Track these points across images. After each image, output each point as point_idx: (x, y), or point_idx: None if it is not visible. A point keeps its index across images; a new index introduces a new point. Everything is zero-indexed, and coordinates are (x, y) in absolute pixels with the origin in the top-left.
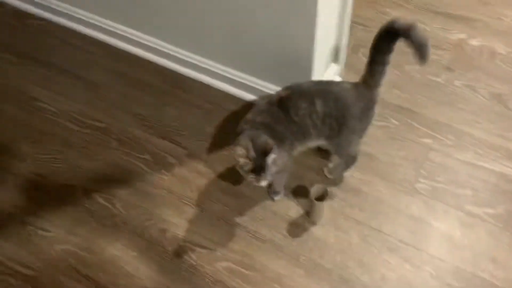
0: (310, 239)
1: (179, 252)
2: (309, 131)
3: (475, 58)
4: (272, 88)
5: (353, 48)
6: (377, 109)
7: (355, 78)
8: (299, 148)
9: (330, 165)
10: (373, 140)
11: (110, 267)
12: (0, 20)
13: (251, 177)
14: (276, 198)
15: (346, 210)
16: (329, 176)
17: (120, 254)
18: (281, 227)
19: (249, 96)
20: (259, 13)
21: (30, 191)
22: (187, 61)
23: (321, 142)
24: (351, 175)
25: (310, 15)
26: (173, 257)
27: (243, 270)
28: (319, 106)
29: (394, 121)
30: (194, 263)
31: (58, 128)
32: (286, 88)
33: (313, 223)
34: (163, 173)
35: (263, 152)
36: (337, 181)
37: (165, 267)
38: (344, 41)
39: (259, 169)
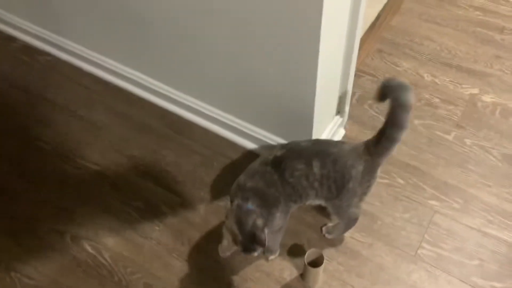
0: None
1: None
2: (306, 192)
3: (487, 115)
4: (273, 139)
5: (359, 99)
6: (380, 170)
7: (360, 130)
8: (296, 208)
9: (330, 224)
10: (376, 199)
11: None
12: (11, 55)
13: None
14: (270, 257)
15: (343, 275)
16: (327, 236)
17: None
18: None
19: (250, 145)
20: (261, 65)
21: (18, 233)
22: (189, 106)
23: (319, 202)
24: (351, 236)
25: (311, 69)
26: None
27: None
28: (316, 167)
29: (399, 179)
30: None
31: (54, 169)
32: (282, 147)
33: None
34: (155, 222)
35: (252, 238)
36: (335, 241)
37: None
38: (349, 93)
39: (247, 249)
